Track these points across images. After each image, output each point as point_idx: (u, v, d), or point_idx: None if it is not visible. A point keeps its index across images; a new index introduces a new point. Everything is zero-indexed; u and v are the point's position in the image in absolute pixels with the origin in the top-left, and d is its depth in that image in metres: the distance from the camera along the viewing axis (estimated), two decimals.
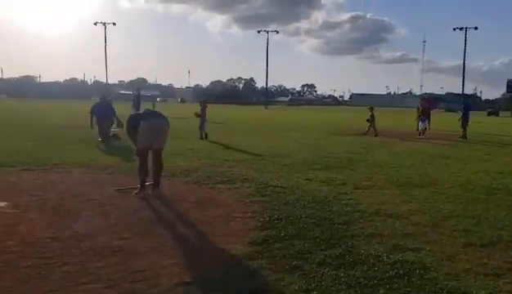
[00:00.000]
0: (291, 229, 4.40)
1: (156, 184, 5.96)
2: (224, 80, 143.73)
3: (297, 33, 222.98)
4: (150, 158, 6.02)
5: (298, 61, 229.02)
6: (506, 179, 7.78)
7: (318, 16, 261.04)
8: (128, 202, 5.47)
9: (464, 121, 16.91)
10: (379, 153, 11.21)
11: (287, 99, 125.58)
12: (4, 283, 3.09)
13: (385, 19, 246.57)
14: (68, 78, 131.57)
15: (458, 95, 62.80)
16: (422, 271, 3.41)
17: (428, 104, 24.99)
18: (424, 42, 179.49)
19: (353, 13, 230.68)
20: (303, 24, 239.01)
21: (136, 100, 22.49)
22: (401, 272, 3.38)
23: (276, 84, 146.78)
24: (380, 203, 5.60)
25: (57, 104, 47.91)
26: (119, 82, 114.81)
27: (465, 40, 62.37)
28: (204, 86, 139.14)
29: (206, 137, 13.88)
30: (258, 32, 75.63)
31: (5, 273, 3.24)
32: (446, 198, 6.04)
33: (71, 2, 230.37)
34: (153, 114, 6.24)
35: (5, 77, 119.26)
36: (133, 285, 3.10)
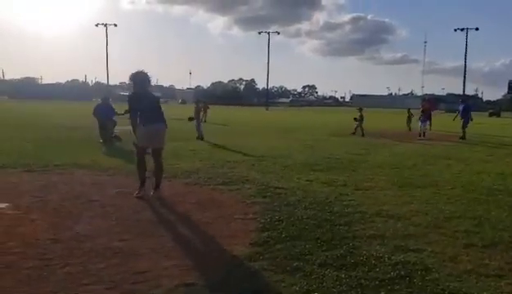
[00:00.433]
0: (292, 230, 4.39)
1: (157, 185, 5.96)
2: (225, 81, 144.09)
3: (298, 34, 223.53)
4: (151, 159, 6.02)
5: (299, 62, 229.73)
6: (507, 180, 7.76)
7: (319, 17, 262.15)
8: (128, 203, 5.47)
9: (465, 122, 16.88)
10: (380, 154, 11.20)
11: (288, 100, 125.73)
12: (6, 284, 3.10)
13: (386, 20, 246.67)
14: (69, 80, 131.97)
15: (459, 95, 62.70)
16: (423, 272, 3.41)
17: (429, 105, 25.02)
18: (425, 42, 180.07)
19: (354, 14, 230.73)
20: (304, 26, 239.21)
21: None
22: (402, 273, 3.37)
23: (277, 85, 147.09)
24: (381, 204, 5.60)
25: (58, 105, 47.97)
26: (120, 83, 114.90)
27: (466, 41, 62.55)
28: (205, 87, 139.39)
29: (202, 138, 13.98)
30: (259, 33, 75.91)
31: (6, 275, 3.25)
32: (448, 199, 6.03)
33: (72, 4, 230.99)
34: (151, 119, 5.92)
35: (6, 78, 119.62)
36: (134, 286, 3.10)
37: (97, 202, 5.41)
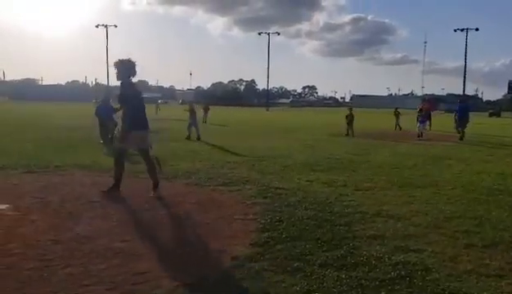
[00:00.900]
0: (292, 230, 4.40)
1: (155, 185, 5.95)
2: (225, 82, 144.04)
3: (298, 34, 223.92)
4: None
5: (299, 63, 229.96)
6: (508, 180, 7.76)
7: (319, 18, 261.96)
8: (129, 204, 5.48)
9: (463, 122, 16.82)
10: (381, 154, 11.20)
11: (288, 100, 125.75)
12: (7, 285, 3.10)
13: (386, 20, 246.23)
14: (69, 81, 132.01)
15: (459, 96, 62.69)
16: (424, 272, 3.41)
17: (429, 105, 25.05)
18: (425, 43, 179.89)
19: (354, 15, 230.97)
20: (304, 26, 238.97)
21: None
22: (402, 273, 3.38)
23: (278, 86, 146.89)
24: (382, 204, 5.60)
25: (59, 106, 47.99)
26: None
27: (466, 41, 62.64)
28: (205, 87, 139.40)
29: (189, 138, 14.22)
30: (259, 34, 76.03)
31: (7, 276, 3.25)
32: (448, 199, 6.03)
33: (73, 6, 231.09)
34: (136, 126, 5.78)
35: (7, 79, 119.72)
36: (135, 287, 3.10)
37: (98, 203, 5.41)
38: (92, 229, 4.41)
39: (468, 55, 64.09)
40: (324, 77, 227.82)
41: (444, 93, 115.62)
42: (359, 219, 4.90)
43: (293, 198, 5.79)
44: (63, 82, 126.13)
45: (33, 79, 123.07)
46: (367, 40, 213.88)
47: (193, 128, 14.71)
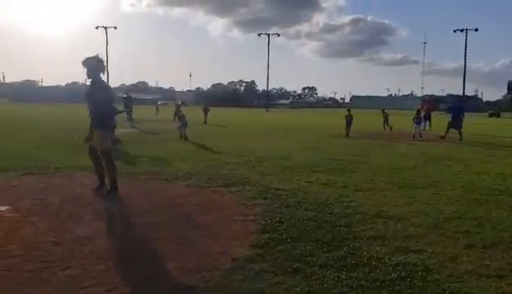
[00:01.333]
0: (293, 231, 4.39)
1: (111, 188, 5.84)
2: (225, 83, 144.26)
3: (298, 36, 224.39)
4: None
5: (299, 64, 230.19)
6: (507, 180, 7.76)
7: (319, 19, 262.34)
8: (129, 205, 5.48)
9: (458, 123, 16.81)
10: (380, 155, 11.20)
11: (288, 101, 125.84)
12: (7, 287, 3.10)
13: (386, 21, 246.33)
14: (69, 82, 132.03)
15: (459, 96, 62.72)
16: (424, 273, 3.41)
17: (429, 105, 25.07)
18: (425, 43, 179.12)
19: (354, 16, 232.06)
20: (304, 27, 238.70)
21: (128, 104, 22.49)
22: (403, 274, 3.37)
23: (277, 87, 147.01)
24: (382, 205, 5.60)
25: (59, 107, 47.96)
26: (120, 85, 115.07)
27: (466, 42, 62.54)
28: (205, 89, 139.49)
29: (185, 138, 14.27)
30: (259, 35, 75.93)
31: (7, 277, 3.25)
32: (448, 200, 6.03)
33: (72, 7, 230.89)
34: (97, 124, 5.91)
35: (7, 81, 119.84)
36: (135, 289, 3.10)
37: (98, 205, 5.41)
38: (91, 230, 4.40)
39: (467, 55, 64.01)
40: (324, 78, 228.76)
41: (444, 94, 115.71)
42: (359, 220, 4.90)
43: (293, 199, 5.79)
44: (63, 84, 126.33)
45: (33, 81, 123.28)
46: (367, 41, 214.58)
47: (183, 129, 14.75)
